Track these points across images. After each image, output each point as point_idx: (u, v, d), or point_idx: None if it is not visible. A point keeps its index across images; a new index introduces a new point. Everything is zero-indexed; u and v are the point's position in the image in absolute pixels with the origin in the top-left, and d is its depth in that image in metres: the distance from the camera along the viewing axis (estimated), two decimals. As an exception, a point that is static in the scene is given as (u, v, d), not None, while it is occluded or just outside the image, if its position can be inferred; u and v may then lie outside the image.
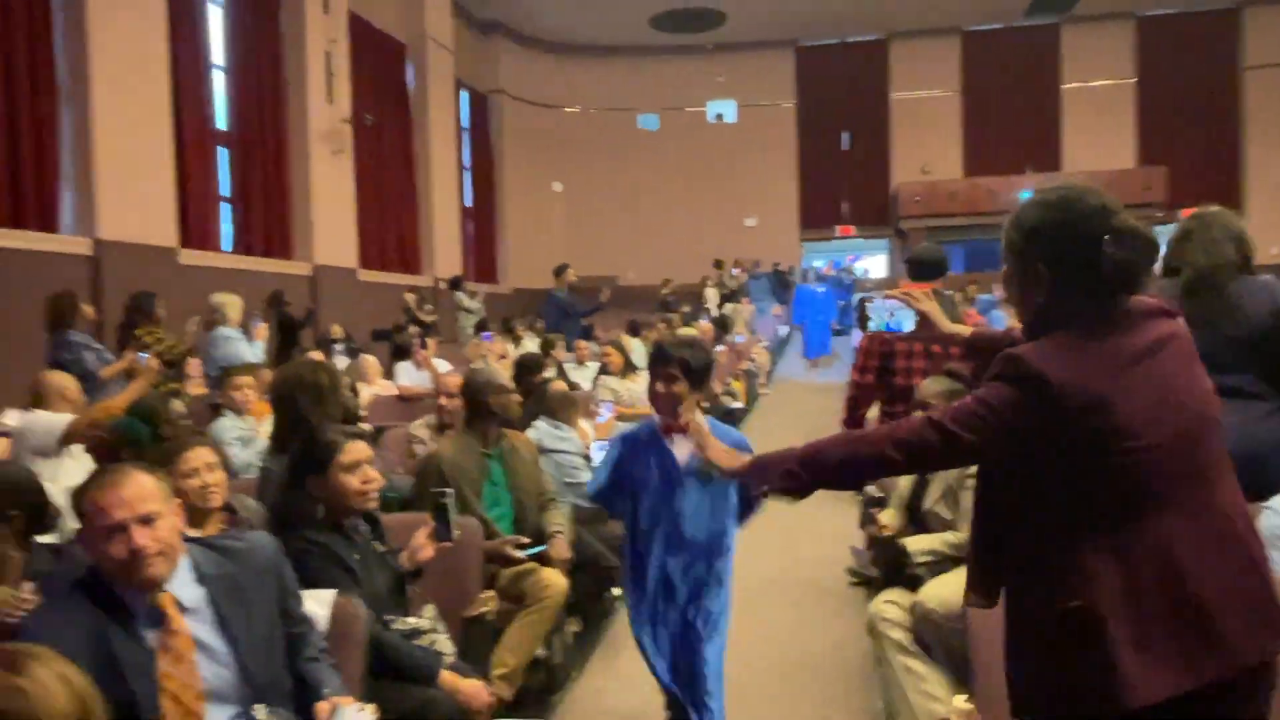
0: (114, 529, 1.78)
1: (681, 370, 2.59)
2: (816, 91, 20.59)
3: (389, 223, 14.06)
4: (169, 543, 1.81)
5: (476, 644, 2.86)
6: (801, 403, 10.85)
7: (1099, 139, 19.25)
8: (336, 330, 9.65)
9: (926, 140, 20.04)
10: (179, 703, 1.80)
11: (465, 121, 17.59)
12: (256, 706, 1.87)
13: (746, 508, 2.76)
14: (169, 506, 1.84)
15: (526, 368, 5.57)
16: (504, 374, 4.17)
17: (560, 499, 3.92)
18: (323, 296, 11.26)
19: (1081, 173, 17.33)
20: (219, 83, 10.59)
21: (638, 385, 7.02)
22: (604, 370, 7.36)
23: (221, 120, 10.62)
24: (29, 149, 7.68)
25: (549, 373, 6.03)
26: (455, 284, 12.45)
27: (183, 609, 1.83)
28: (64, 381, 3.74)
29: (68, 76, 7.92)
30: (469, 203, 17.68)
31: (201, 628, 1.84)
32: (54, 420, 3.59)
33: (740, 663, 3.90)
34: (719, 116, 17.77)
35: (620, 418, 5.99)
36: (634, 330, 10.87)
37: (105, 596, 1.82)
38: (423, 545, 2.65)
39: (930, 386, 3.48)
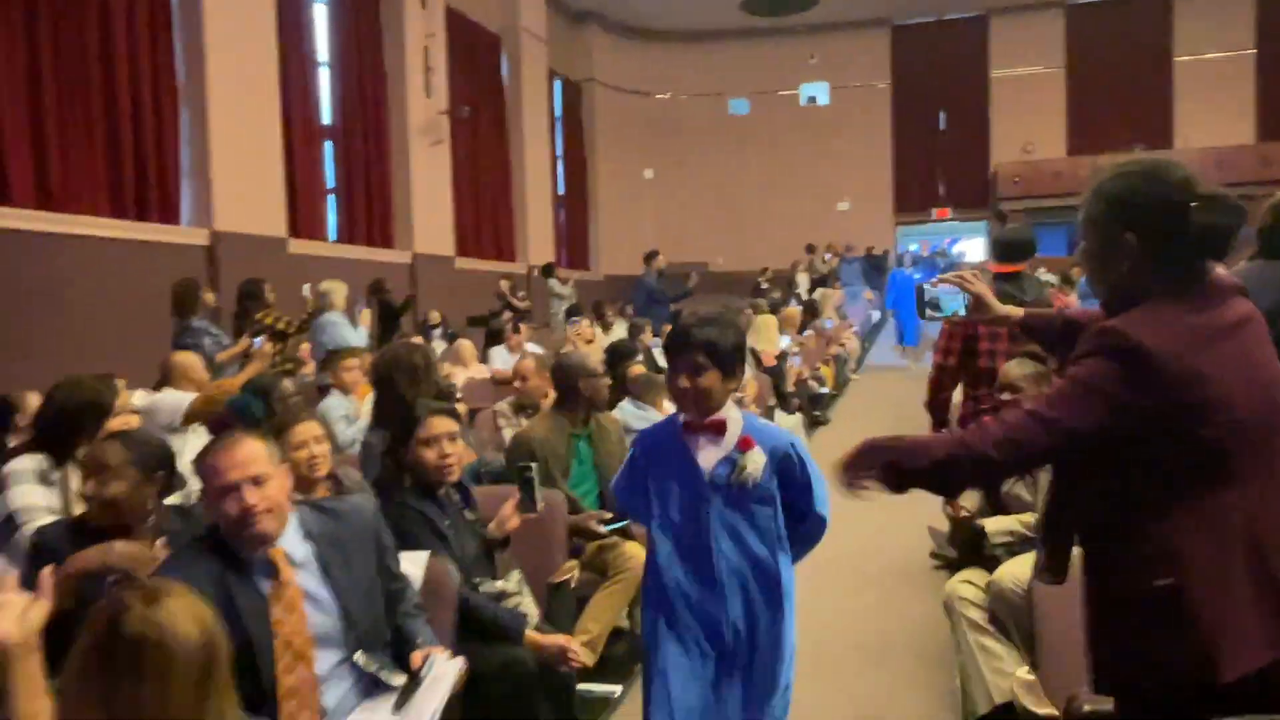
0: (228, 489, 1.98)
1: (708, 356, 2.05)
2: (912, 71, 20.16)
3: (484, 212, 14.43)
4: (277, 501, 2.00)
5: (560, 610, 3.02)
6: (892, 389, 10.73)
7: (1215, 114, 18.32)
8: (434, 316, 10.01)
9: (1028, 119, 19.42)
10: (290, 647, 1.99)
11: (558, 111, 17.87)
12: (357, 654, 2.06)
13: (802, 540, 2.19)
14: (277, 470, 2.04)
15: (618, 354, 5.72)
16: (594, 359, 4.33)
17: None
18: (421, 283, 11.67)
19: (1195, 149, 16.56)
20: (324, 79, 11.06)
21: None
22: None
23: (326, 115, 11.09)
24: (152, 146, 8.20)
25: (639, 359, 6.16)
26: (547, 271, 12.72)
27: (293, 563, 2.03)
28: (189, 362, 4.06)
29: (186, 78, 8.42)
30: (562, 191, 17.97)
31: (309, 580, 2.03)
32: (180, 399, 3.91)
33: (817, 641, 3.99)
34: (812, 99, 17.61)
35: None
36: (724, 315, 10.91)
37: (225, 551, 2.02)
38: (509, 515, 2.82)
39: (1013, 369, 3.48)
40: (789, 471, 2.10)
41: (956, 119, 20.00)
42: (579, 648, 2.75)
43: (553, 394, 4.01)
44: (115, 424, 2.90)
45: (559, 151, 17.91)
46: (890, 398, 10.07)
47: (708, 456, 2.09)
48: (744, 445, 2.06)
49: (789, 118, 19.22)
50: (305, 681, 2.01)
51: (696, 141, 20.18)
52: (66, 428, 2.87)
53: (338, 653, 2.04)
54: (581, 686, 3.03)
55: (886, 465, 1.69)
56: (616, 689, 3.38)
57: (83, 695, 1.32)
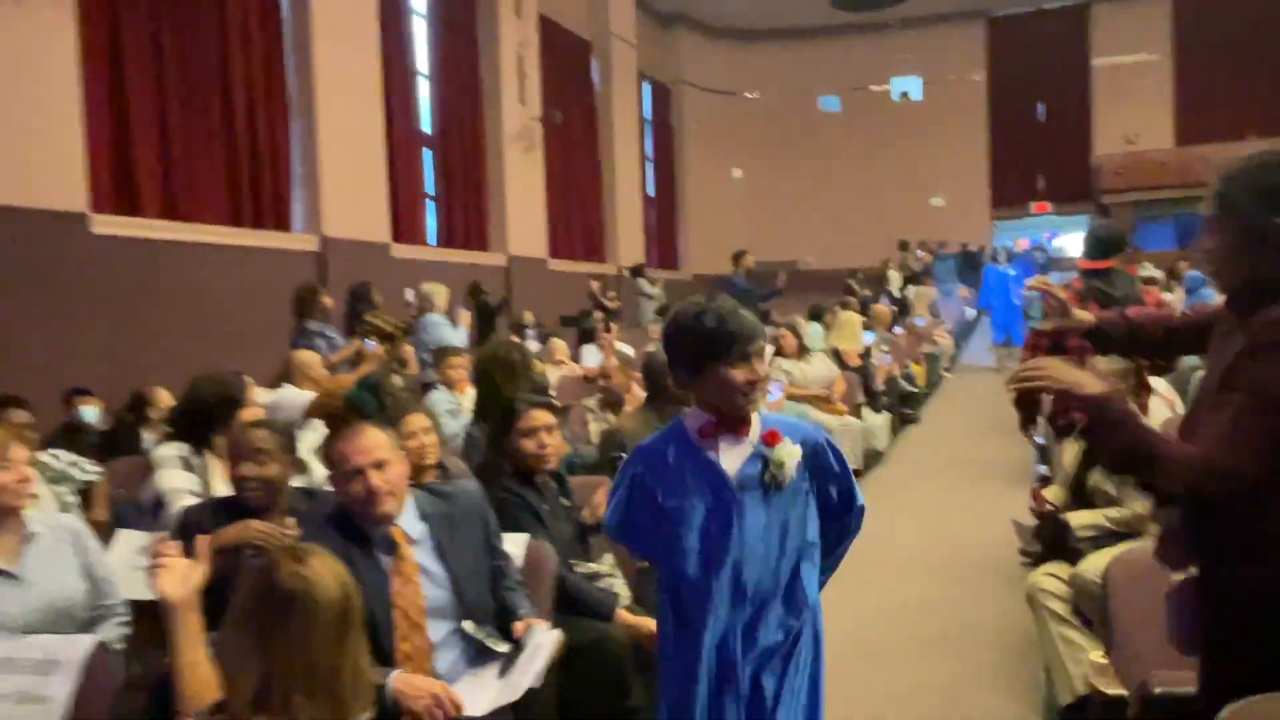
0: (354, 472, 2.20)
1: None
2: (1009, 63, 19.70)
3: (576, 214, 14.76)
4: (397, 484, 2.22)
5: (649, 592, 3.18)
6: (984, 388, 10.59)
7: (1338, 98, 17.37)
8: (528, 316, 10.32)
9: (1131, 108, 18.76)
10: (407, 616, 2.21)
11: (648, 113, 18.09)
12: (466, 623, 2.27)
13: (844, 534, 1.98)
14: (397, 456, 2.26)
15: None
16: None
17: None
18: (516, 285, 12.02)
19: (1315, 136, 15.75)
20: (423, 89, 11.51)
21: (810, 367, 7.17)
22: (778, 352, 7.55)
23: (426, 124, 11.54)
24: (266, 158, 8.72)
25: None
26: (637, 271, 12.94)
27: (410, 540, 2.25)
28: (308, 361, 4.38)
29: (297, 93, 8.92)
30: (651, 192, 18.20)
31: (425, 556, 2.25)
32: (299, 395, 4.22)
33: (902, 632, 4.06)
34: (904, 94, 17.38)
35: (790, 398, 6.19)
36: (815, 314, 10.94)
37: (349, 528, 2.25)
38: (600, 503, 3.00)
39: (1101, 364, 3.50)
40: (823, 464, 1.89)
41: (1056, 110, 19.45)
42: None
43: (637, 390, 4.18)
44: (246, 415, 3.19)
45: (649, 153, 18.14)
46: (983, 396, 9.95)
47: (730, 460, 1.84)
48: (770, 439, 1.84)
49: (880, 113, 19.00)
50: (420, 648, 2.23)
51: (786, 140, 20.14)
52: (204, 419, 3.18)
53: (449, 622, 2.25)
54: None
55: (1113, 423, 1.68)
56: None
57: (241, 642, 1.54)
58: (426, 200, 11.51)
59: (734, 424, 1.85)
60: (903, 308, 12.11)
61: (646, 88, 17.94)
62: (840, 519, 1.95)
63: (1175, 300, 9.92)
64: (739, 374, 1.80)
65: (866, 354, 8.72)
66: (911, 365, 10.01)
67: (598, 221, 15.54)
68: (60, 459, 3.57)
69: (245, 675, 1.51)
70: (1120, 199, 17.88)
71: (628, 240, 15.89)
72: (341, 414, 3.82)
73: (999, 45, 19.83)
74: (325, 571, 1.55)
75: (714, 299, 1.87)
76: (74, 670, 1.97)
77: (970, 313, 15.79)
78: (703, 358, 1.82)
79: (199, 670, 1.75)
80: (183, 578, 1.86)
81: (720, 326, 1.80)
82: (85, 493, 3.55)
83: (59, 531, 2.46)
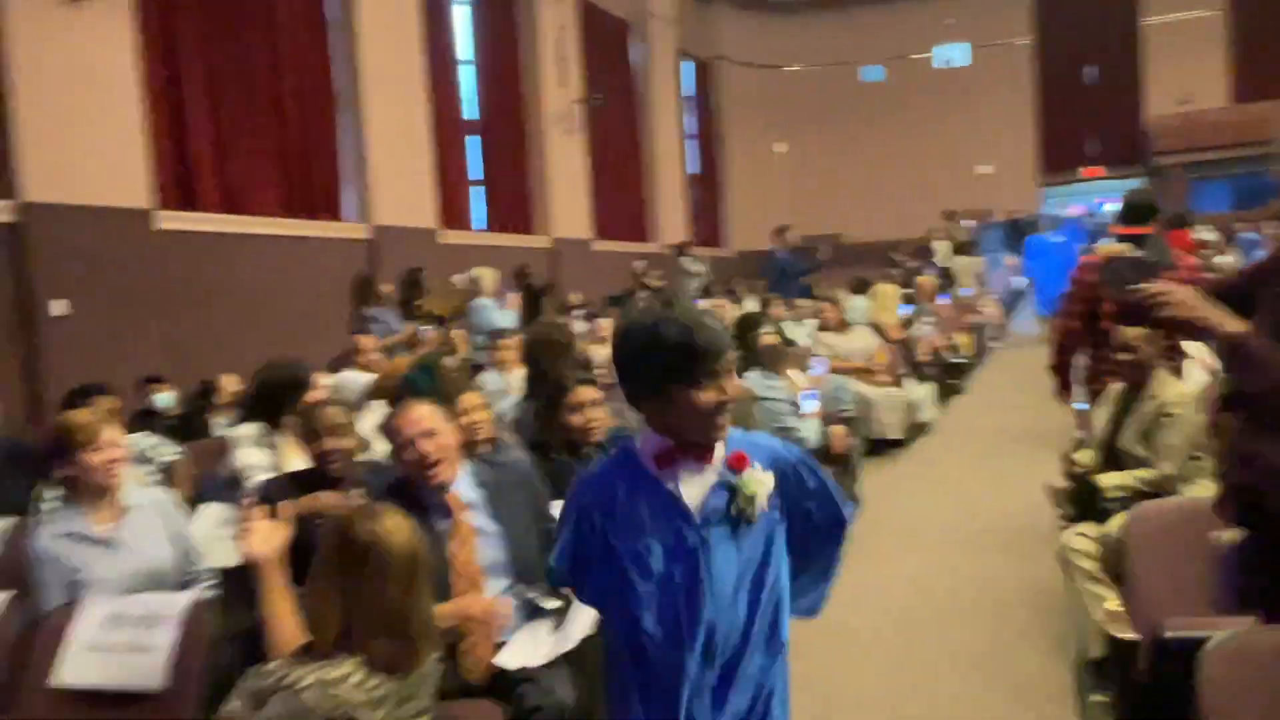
0: (407, 442, 2.44)
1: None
2: (1056, 25, 19.31)
3: (619, 195, 14.90)
4: (446, 451, 2.44)
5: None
6: (1034, 357, 10.54)
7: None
8: (574, 297, 10.51)
9: (1185, 67, 18.30)
10: (464, 575, 2.41)
11: (689, 90, 18.12)
12: (519, 584, 2.46)
13: (829, 556, 1.71)
14: (445, 426, 2.49)
15: (747, 323, 6.01)
16: None
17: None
18: (562, 267, 12.22)
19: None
20: (465, 76, 11.72)
21: (851, 339, 7.26)
22: (821, 326, 7.65)
23: (469, 110, 11.77)
24: (316, 151, 9.01)
25: (767, 329, 6.43)
26: (680, 250, 13.06)
27: (465, 505, 2.45)
28: (367, 345, 4.64)
29: (344, 87, 9.18)
30: (694, 170, 18.25)
31: (480, 519, 2.45)
32: (359, 377, 4.47)
33: (937, 598, 4.19)
34: (948, 61, 17.18)
35: (834, 371, 6.29)
36: (859, 287, 10.98)
37: (409, 496, 2.45)
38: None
39: (1129, 329, 3.57)
40: (799, 486, 1.63)
41: (1105, 72, 19.05)
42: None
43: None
44: (312, 397, 3.43)
45: (690, 130, 18.18)
46: (1031, 366, 9.91)
47: (692, 490, 1.56)
48: (736, 463, 1.57)
49: (923, 82, 18.79)
50: (480, 605, 2.42)
51: (828, 112, 20.01)
52: (275, 401, 3.43)
53: (503, 580, 2.45)
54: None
55: (1243, 352, 1.75)
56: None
57: (324, 591, 1.75)
58: (471, 186, 11.74)
59: (694, 448, 1.56)
60: (948, 278, 12.07)
61: (686, 65, 17.95)
62: (827, 546, 1.68)
63: (1230, 263, 9.78)
64: (707, 396, 1.49)
65: (908, 325, 8.77)
66: (957, 336, 10.01)
67: (641, 201, 15.67)
68: (141, 442, 3.86)
69: (328, 621, 1.72)
70: (1173, 160, 17.52)
71: (671, 219, 16.01)
72: (400, 394, 4.06)
73: (1045, 8, 19.44)
74: (395, 526, 1.76)
75: (673, 304, 1.57)
76: (175, 623, 2.22)
77: (1019, 282, 15.64)
78: (662, 378, 1.51)
79: (286, 620, 1.97)
80: (267, 539, 2.09)
81: (684, 341, 1.48)
82: (166, 472, 3.83)
83: (151, 504, 2.72)
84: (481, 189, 11.99)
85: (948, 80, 18.27)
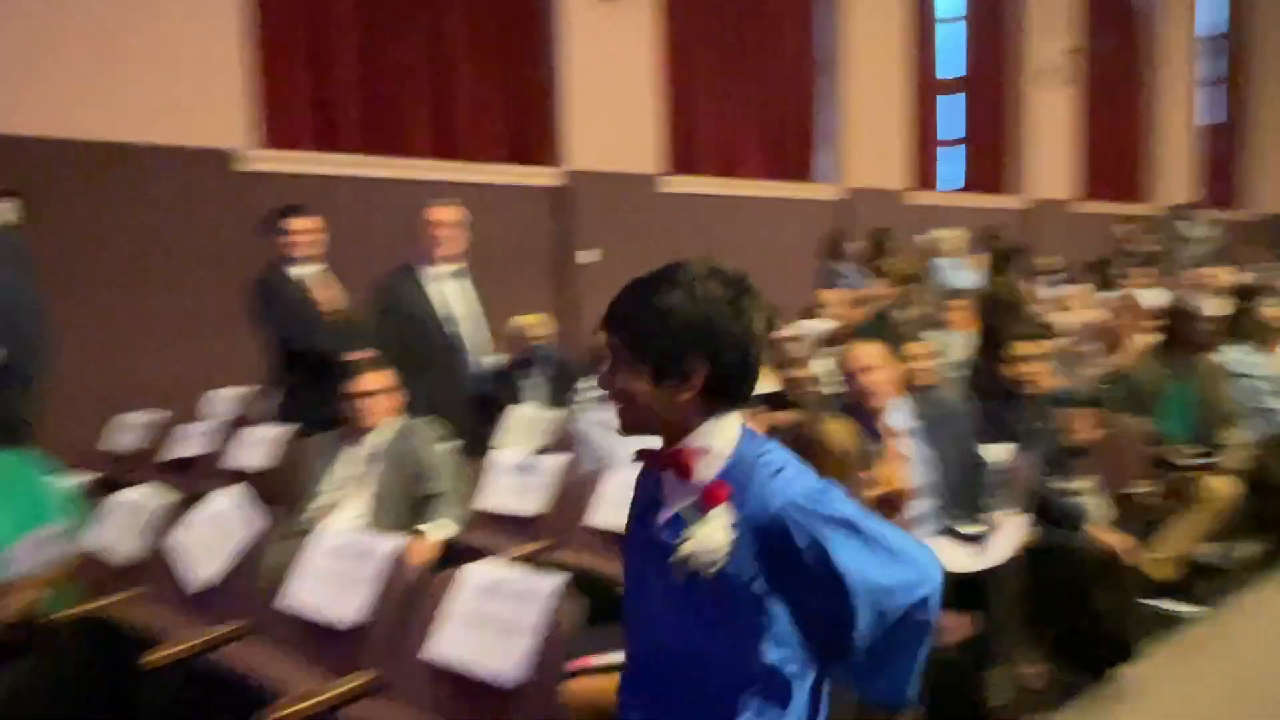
0: (850, 374, 2.93)
1: (628, 342, 1.28)
2: None
3: (1108, 151, 13.75)
4: (880, 385, 2.87)
5: (1132, 520, 3.39)
6: None
7: None
8: (1046, 261, 10.09)
9: None
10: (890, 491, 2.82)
11: (1214, 27, 15.89)
12: (942, 508, 2.82)
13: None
14: (883, 364, 2.90)
15: (1244, 294, 5.53)
16: (1211, 306, 4.43)
17: (1243, 420, 4.10)
18: (1035, 228, 11.74)
19: None
20: (941, 35, 11.73)
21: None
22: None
23: (948, 69, 11.77)
24: (791, 116, 9.73)
25: (1270, 301, 5.80)
26: (1177, 213, 11.80)
27: (900, 432, 2.86)
28: (832, 299, 5.22)
29: (826, 56, 9.78)
30: (1210, 119, 16.04)
31: (913, 445, 2.86)
32: (816, 325, 5.07)
33: None
34: None
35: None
36: None
37: (857, 417, 2.92)
38: (1080, 429, 3.31)
39: None
40: (790, 560, 1.20)
41: None
42: (1140, 554, 3.12)
43: (1138, 337, 4.27)
44: (780, 336, 4.04)
45: (1204, 75, 15.96)
46: None
47: (678, 497, 1.29)
48: (709, 498, 1.23)
49: None
50: (900, 521, 2.83)
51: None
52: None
53: (927, 502, 2.83)
54: (1163, 604, 3.45)
55: None
56: (1199, 609, 3.62)
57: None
58: (941, 147, 11.75)
59: (678, 459, 1.26)
60: None
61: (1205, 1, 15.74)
62: (837, 660, 1.25)
63: None
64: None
65: None
66: None
67: (1135, 158, 14.27)
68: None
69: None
70: None
71: (1172, 177, 14.37)
72: (854, 339, 4.57)
73: None
74: (835, 427, 2.26)
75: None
76: (541, 606, 2.04)
77: None
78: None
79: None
80: None
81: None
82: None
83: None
84: (958, 149, 11.97)
85: None
